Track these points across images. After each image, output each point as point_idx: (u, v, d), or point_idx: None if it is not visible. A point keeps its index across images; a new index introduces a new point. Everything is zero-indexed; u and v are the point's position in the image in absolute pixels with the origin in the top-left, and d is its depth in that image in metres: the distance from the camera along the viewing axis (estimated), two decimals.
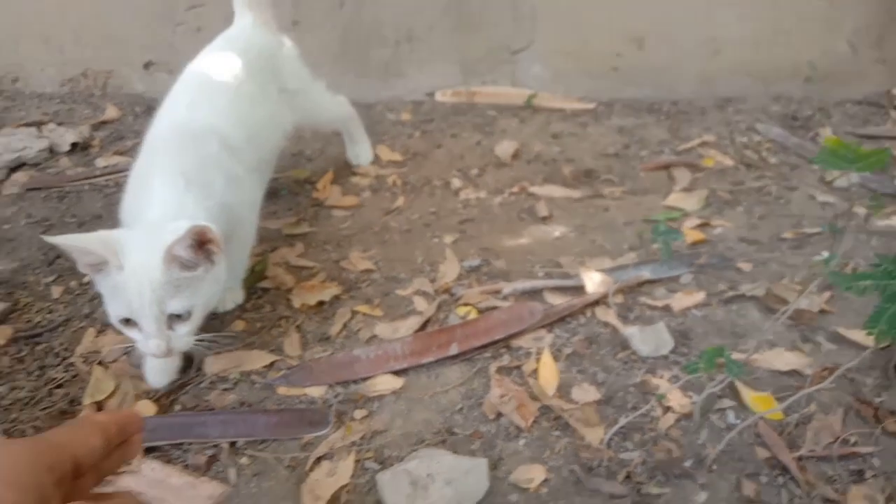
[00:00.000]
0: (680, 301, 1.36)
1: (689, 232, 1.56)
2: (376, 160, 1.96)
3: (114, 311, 1.05)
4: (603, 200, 1.73)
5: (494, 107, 2.23)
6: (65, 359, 1.31)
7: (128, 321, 1.04)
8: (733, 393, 1.16)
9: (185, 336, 1.05)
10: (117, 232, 1.08)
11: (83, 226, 1.71)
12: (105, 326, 1.36)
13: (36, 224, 1.72)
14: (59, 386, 1.25)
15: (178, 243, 0.99)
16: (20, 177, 1.92)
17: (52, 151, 2.03)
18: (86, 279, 1.48)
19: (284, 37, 1.66)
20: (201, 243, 1.03)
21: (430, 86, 2.33)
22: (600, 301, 1.36)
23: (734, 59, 2.26)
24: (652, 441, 1.09)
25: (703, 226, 1.61)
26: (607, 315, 1.33)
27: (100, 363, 1.28)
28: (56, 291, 1.47)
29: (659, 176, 1.85)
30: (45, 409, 1.20)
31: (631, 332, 1.27)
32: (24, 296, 1.47)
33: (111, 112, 2.25)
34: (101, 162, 1.98)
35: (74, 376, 1.27)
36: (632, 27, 2.24)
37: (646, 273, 1.42)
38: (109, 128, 2.18)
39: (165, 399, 1.21)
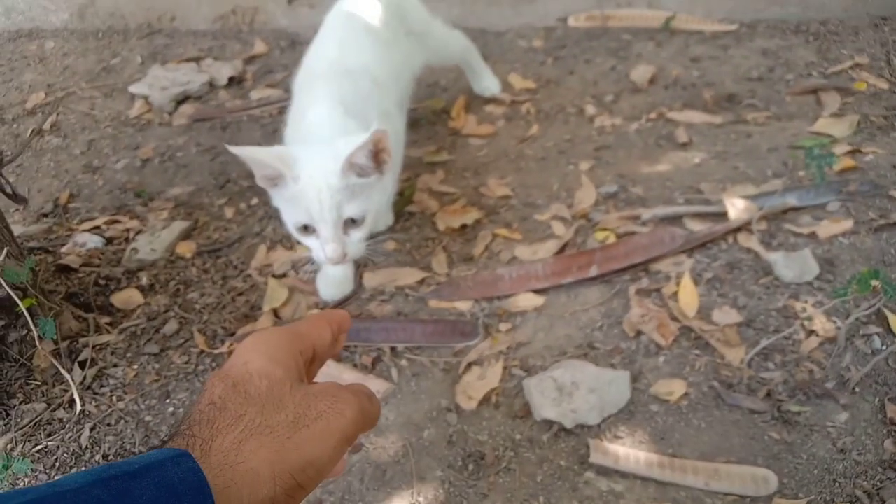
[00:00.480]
0: (827, 228, 1.34)
1: (839, 158, 1.51)
2: (509, 88, 1.99)
3: (292, 219, 1.14)
4: (746, 126, 1.69)
5: (629, 30, 2.18)
6: (242, 271, 1.48)
7: (306, 228, 1.13)
8: (880, 319, 1.16)
9: (357, 242, 1.14)
10: (290, 147, 1.19)
11: None
12: (274, 243, 1.52)
13: (205, 152, 1.90)
14: (241, 294, 1.43)
15: (359, 150, 1.06)
16: (187, 108, 2.11)
17: (211, 85, 2.21)
18: (253, 202, 1.65)
19: None
20: (376, 152, 1.11)
21: (562, 10, 2.30)
22: (743, 227, 1.36)
23: None
24: (794, 362, 1.12)
25: (854, 152, 1.55)
26: (750, 241, 1.34)
27: (273, 275, 1.45)
28: (228, 212, 1.65)
29: (806, 100, 1.77)
30: (230, 313, 1.38)
31: (774, 258, 1.28)
32: (202, 216, 1.65)
33: (259, 47, 2.39)
34: (255, 94, 2.14)
35: (252, 286, 1.44)
36: None
37: (792, 200, 1.40)
38: (259, 62, 2.33)
39: (332, 309, 1.36)
